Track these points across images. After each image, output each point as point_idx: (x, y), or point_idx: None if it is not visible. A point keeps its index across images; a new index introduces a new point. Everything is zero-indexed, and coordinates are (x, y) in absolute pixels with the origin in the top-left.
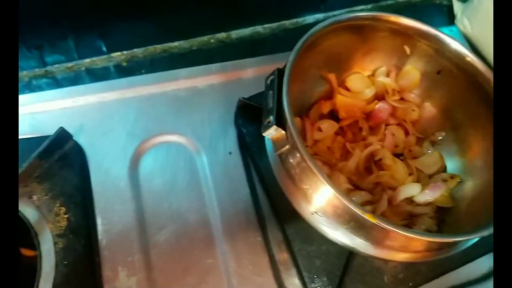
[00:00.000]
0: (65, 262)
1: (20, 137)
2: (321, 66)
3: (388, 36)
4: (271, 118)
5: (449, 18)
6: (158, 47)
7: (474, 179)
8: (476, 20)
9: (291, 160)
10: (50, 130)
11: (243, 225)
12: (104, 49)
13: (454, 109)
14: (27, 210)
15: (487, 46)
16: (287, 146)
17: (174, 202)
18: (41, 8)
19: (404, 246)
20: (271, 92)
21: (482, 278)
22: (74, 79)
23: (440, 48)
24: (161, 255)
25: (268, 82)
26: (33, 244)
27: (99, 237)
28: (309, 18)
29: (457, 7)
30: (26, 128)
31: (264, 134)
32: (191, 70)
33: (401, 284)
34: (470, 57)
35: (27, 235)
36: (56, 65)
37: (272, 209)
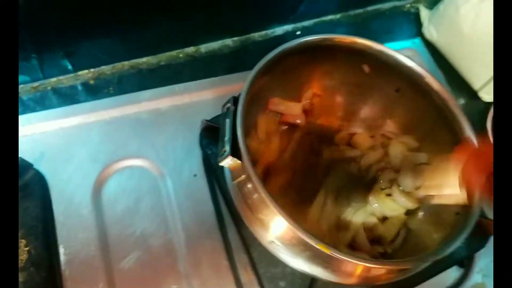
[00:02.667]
0: None
1: None
2: (281, 88)
3: (345, 55)
4: (227, 147)
5: (417, 26)
6: (126, 63)
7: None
8: (442, 27)
9: (247, 190)
10: None
11: (208, 248)
12: (70, 67)
13: (414, 126)
14: None
15: (453, 53)
16: (243, 176)
17: (138, 227)
18: None
19: (363, 272)
20: (227, 120)
21: None
22: (40, 99)
23: (396, 67)
24: (126, 283)
25: (225, 109)
26: None
27: (62, 267)
28: (278, 30)
29: (424, 14)
30: None
31: (220, 164)
32: (154, 91)
33: None
34: (426, 76)
35: None
36: (21, 85)
37: (237, 231)
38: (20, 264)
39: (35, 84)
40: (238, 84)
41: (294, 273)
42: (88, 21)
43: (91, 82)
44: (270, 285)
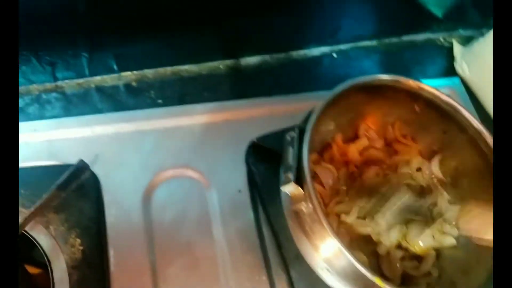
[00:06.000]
0: None
1: (38, 164)
2: (338, 119)
3: (401, 95)
4: (291, 175)
5: (449, 61)
6: (169, 69)
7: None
8: (475, 65)
9: (307, 218)
10: (67, 158)
11: (249, 263)
12: (115, 68)
13: (458, 169)
14: (43, 240)
15: (484, 91)
16: (303, 203)
17: (184, 236)
18: (57, 27)
19: None
20: (291, 148)
21: None
22: (83, 96)
23: (444, 109)
24: None
25: (289, 138)
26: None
27: (111, 269)
28: (315, 51)
29: (457, 50)
30: (44, 155)
31: (282, 189)
32: (206, 106)
33: None
34: (475, 123)
35: (42, 265)
36: (66, 81)
37: (278, 250)
38: (75, 262)
39: (80, 80)
40: (289, 105)
41: None
42: (138, 26)
43: (133, 84)
44: None
